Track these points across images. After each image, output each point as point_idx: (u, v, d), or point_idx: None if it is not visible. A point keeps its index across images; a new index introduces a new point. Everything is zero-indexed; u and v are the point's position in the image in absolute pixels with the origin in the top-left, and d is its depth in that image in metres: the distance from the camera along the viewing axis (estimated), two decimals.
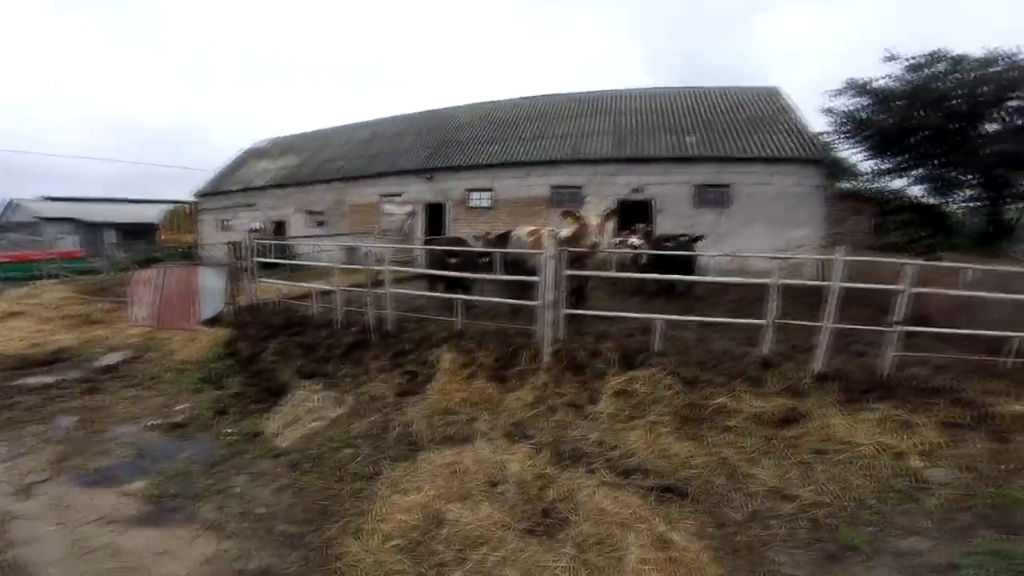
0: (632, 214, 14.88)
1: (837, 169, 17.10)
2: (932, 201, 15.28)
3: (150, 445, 5.43)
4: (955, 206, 15.51)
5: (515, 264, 7.88)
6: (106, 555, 3.63)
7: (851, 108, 15.55)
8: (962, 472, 4.48)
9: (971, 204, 15.34)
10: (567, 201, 16.85)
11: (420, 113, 24.91)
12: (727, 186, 15.87)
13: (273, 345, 7.74)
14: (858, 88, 15.25)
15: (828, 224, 14.87)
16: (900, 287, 5.83)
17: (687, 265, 9.29)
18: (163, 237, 26.79)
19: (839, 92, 15.58)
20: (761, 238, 14.73)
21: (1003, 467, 4.55)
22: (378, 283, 7.79)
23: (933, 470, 4.53)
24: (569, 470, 4.38)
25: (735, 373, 5.82)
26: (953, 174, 14.52)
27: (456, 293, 7.48)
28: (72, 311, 11.66)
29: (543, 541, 3.53)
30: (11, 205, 32.89)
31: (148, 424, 5.94)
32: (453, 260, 8.02)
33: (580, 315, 6.96)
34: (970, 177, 14.26)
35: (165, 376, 7.49)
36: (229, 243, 19.86)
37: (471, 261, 8.28)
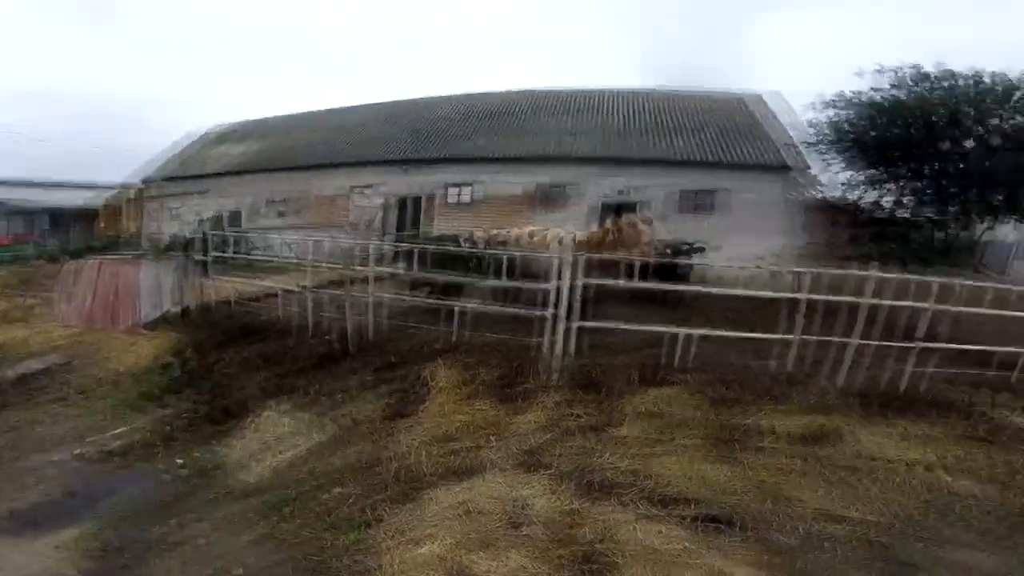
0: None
1: (816, 180, 17.51)
2: (904, 215, 15.94)
3: (82, 479, 4.53)
4: (924, 220, 16.04)
5: (516, 268, 7.19)
6: None
7: (835, 120, 16.09)
8: (986, 483, 4.52)
9: (940, 218, 15.88)
10: (551, 200, 16.58)
11: (397, 102, 23.56)
12: (712, 192, 15.83)
13: (230, 355, 6.80)
14: (844, 101, 15.77)
15: (806, 234, 15.02)
16: (925, 305, 5.92)
17: (685, 274, 8.91)
18: (103, 225, 24.32)
19: (826, 104, 16.09)
20: (742, 246, 14.29)
21: (1020, 477, 4.63)
22: (353, 283, 6.95)
23: (962, 482, 4.55)
24: (600, 503, 3.85)
25: (761, 390, 5.58)
26: (927, 189, 15.16)
27: (449, 299, 6.73)
28: None
29: None
30: None
31: (78, 451, 4.97)
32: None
33: (593, 327, 6.38)
34: (942, 192, 14.87)
35: (97, 390, 6.47)
36: (174, 235, 18.20)
37: (461, 264, 7.55)
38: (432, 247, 7.66)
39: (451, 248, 7.84)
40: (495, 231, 8.45)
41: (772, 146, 16.28)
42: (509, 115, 19.92)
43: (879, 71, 14.83)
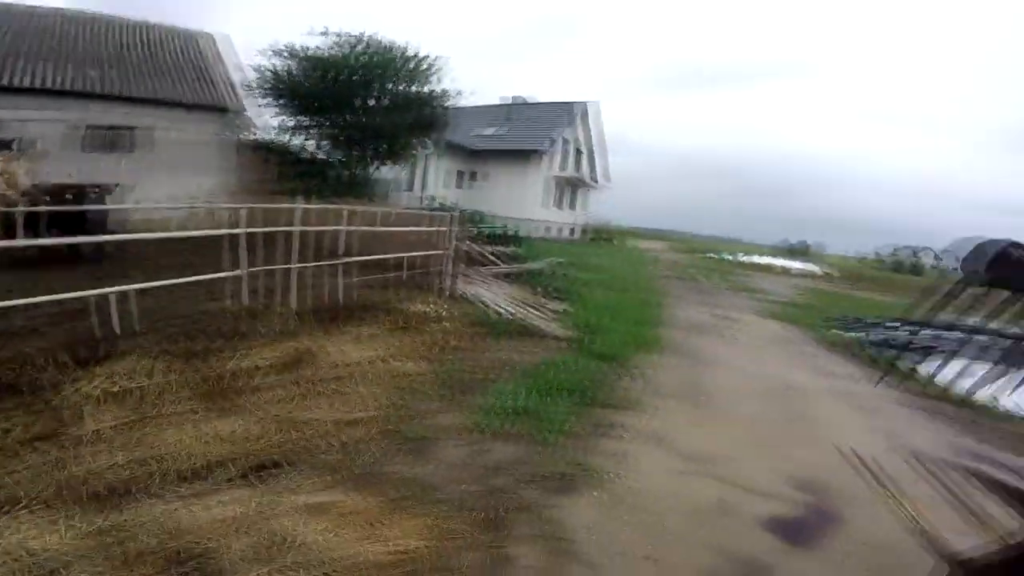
0: None
1: (251, 122, 17.67)
2: (323, 157, 18.02)
3: None
4: (338, 161, 18.36)
5: None
6: None
7: (279, 68, 16.53)
8: (420, 361, 5.83)
9: (348, 160, 18.36)
10: None
11: None
12: (132, 129, 14.15)
13: None
14: (290, 53, 16.43)
15: (240, 172, 15.15)
16: (341, 228, 6.98)
17: (100, 222, 6.77)
18: None
19: (276, 53, 16.39)
20: (172, 185, 13.13)
21: (431, 350, 6.23)
22: None
23: (408, 365, 5.65)
24: (129, 506, 2.90)
25: (228, 332, 5.22)
26: (340, 137, 17.44)
27: None
28: None
29: None
30: None
31: None
32: None
33: None
34: (350, 140, 17.35)
35: None
36: None
37: None
38: None
39: None
40: None
41: (214, 86, 15.69)
42: None
43: (323, 33, 16.29)
